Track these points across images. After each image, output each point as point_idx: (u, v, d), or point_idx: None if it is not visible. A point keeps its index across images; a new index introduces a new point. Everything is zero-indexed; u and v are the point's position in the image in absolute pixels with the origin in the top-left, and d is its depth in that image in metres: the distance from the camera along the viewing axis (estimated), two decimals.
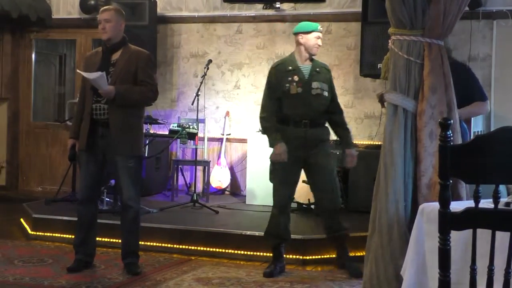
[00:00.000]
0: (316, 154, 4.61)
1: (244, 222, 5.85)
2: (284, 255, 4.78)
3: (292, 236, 4.83)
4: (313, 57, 4.74)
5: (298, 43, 4.69)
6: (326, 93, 4.65)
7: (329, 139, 4.80)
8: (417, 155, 3.12)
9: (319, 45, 4.69)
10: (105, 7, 4.70)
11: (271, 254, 4.87)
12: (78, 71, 4.54)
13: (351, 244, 5.15)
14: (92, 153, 4.53)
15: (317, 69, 4.69)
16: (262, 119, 4.67)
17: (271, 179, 4.72)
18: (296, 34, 4.71)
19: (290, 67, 4.66)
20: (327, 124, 4.78)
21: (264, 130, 4.74)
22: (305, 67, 4.68)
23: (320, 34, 4.69)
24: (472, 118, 6.02)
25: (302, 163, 4.68)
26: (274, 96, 4.66)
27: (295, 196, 6.38)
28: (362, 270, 4.23)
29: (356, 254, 5.04)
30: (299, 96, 4.59)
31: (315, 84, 4.62)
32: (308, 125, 4.58)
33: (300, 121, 4.58)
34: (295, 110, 4.58)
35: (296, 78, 4.61)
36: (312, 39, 4.65)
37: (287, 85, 4.61)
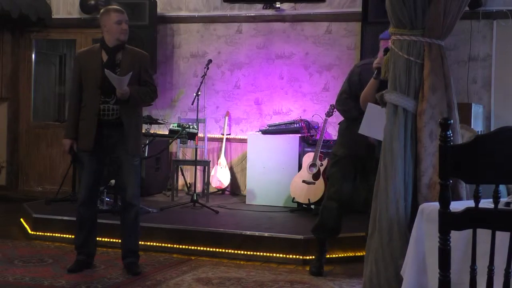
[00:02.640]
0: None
1: (244, 222, 5.85)
2: (285, 255, 4.77)
3: (292, 236, 4.84)
4: None
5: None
6: None
7: None
8: (417, 155, 3.12)
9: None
10: (117, 8, 4.66)
11: (271, 254, 4.87)
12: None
13: (352, 244, 5.17)
14: (95, 154, 4.53)
15: None
16: (337, 103, 4.64)
17: (332, 174, 4.64)
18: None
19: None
20: None
21: (342, 107, 4.63)
22: None
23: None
24: (472, 119, 6.03)
25: (359, 162, 4.55)
26: (349, 93, 4.54)
27: (294, 196, 6.42)
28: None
29: (356, 254, 5.05)
30: None
31: None
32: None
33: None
34: None
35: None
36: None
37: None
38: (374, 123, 3.77)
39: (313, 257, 4.87)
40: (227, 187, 7.68)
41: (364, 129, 3.97)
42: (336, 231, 4.71)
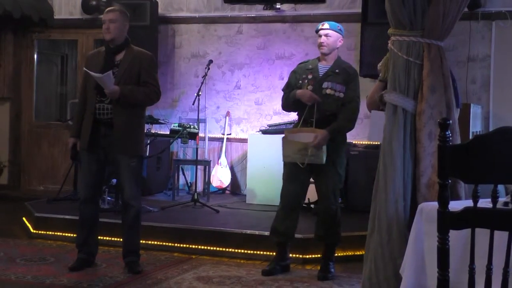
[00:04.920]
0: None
1: (244, 221, 5.85)
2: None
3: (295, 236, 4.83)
4: (338, 56, 4.71)
5: None
6: (339, 94, 4.54)
7: (342, 141, 4.67)
8: (416, 155, 3.12)
9: (322, 43, 4.61)
10: (110, 8, 4.67)
11: (271, 253, 4.87)
12: (85, 69, 4.49)
13: (352, 243, 5.17)
14: (93, 152, 4.53)
15: (337, 70, 4.61)
16: (282, 100, 4.77)
17: (283, 175, 4.68)
18: None
19: (310, 66, 4.68)
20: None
21: (283, 103, 4.75)
22: (324, 67, 4.65)
23: (321, 32, 4.62)
24: (471, 119, 6.03)
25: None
26: (288, 90, 4.70)
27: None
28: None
29: (356, 253, 5.05)
30: None
31: (326, 84, 4.56)
32: (314, 124, 4.50)
33: (308, 119, 4.54)
34: (305, 108, 4.55)
35: (310, 76, 4.62)
36: (318, 40, 4.66)
37: (300, 81, 4.64)
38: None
39: (313, 256, 4.88)
40: (227, 186, 7.68)
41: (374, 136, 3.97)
42: (286, 235, 4.65)
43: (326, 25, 4.65)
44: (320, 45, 4.63)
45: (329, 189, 4.55)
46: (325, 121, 4.51)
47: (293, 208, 4.63)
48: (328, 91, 4.55)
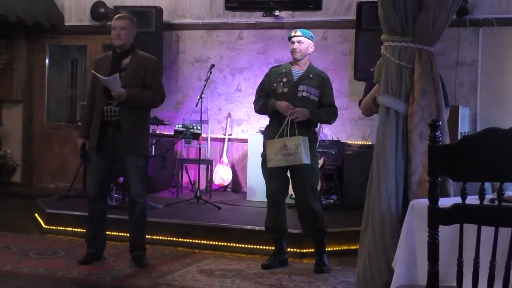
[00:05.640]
0: None
1: (244, 217, 5.85)
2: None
3: (290, 231, 4.83)
4: (310, 63, 4.72)
5: None
6: (314, 98, 4.58)
7: (314, 142, 4.68)
8: (407, 154, 3.12)
9: (296, 50, 4.62)
10: (120, 15, 4.66)
11: (270, 248, 4.87)
12: (93, 72, 4.49)
13: (347, 238, 5.17)
14: (101, 152, 4.53)
15: (310, 75, 4.64)
16: (254, 103, 4.76)
17: (263, 174, 4.68)
18: None
19: (284, 70, 4.69)
20: (316, 129, 4.73)
21: (259, 108, 4.72)
22: (298, 71, 4.66)
23: (294, 39, 4.62)
24: (460, 120, 6.02)
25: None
26: (262, 93, 4.71)
27: (292, 193, 6.41)
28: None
29: (350, 248, 5.05)
30: (285, 96, 4.58)
31: (301, 87, 4.58)
32: (289, 124, 4.48)
33: (282, 121, 4.52)
34: (281, 113, 4.53)
35: (285, 79, 4.63)
36: (291, 46, 4.67)
37: (275, 84, 4.64)
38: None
39: (310, 250, 4.88)
40: (228, 184, 7.68)
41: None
42: (278, 230, 4.64)
43: (298, 32, 4.68)
44: (294, 51, 4.64)
45: (306, 185, 4.53)
46: (300, 122, 4.49)
47: (279, 204, 4.62)
48: (304, 93, 4.58)
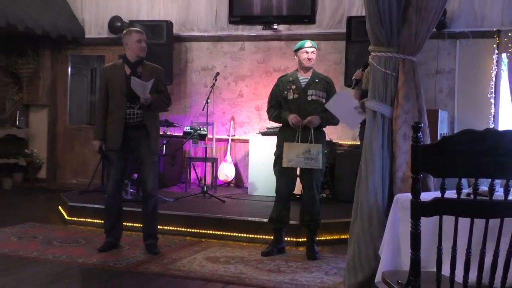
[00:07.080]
0: None
1: (246, 210, 5.84)
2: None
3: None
4: (313, 69, 4.70)
5: (297, 59, 4.71)
6: (322, 100, 4.57)
7: (324, 141, 4.67)
8: (392, 153, 3.12)
9: (309, 59, 4.62)
10: (138, 29, 4.69)
11: (269, 237, 4.86)
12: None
13: (338, 228, 5.16)
14: (121, 152, 4.52)
15: (316, 80, 4.64)
16: (268, 112, 4.76)
17: (274, 171, 4.68)
18: (294, 52, 4.74)
19: (291, 78, 4.68)
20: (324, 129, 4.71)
21: (272, 119, 4.73)
22: (304, 78, 4.65)
23: (308, 49, 4.62)
24: (439, 123, 6.02)
25: None
26: (273, 102, 4.72)
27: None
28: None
29: (341, 237, 5.04)
30: (295, 101, 4.59)
31: (310, 92, 4.59)
32: (301, 126, 4.51)
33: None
34: (292, 113, 4.56)
35: (293, 86, 4.63)
36: (301, 55, 4.65)
37: (285, 92, 4.63)
38: (340, 105, 3.90)
39: (304, 239, 4.87)
40: (232, 180, 7.68)
41: (330, 105, 4.07)
42: (280, 221, 4.66)
43: (310, 43, 4.67)
44: (307, 60, 4.62)
45: (313, 182, 4.56)
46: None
47: (286, 199, 4.66)
48: (313, 97, 4.59)
